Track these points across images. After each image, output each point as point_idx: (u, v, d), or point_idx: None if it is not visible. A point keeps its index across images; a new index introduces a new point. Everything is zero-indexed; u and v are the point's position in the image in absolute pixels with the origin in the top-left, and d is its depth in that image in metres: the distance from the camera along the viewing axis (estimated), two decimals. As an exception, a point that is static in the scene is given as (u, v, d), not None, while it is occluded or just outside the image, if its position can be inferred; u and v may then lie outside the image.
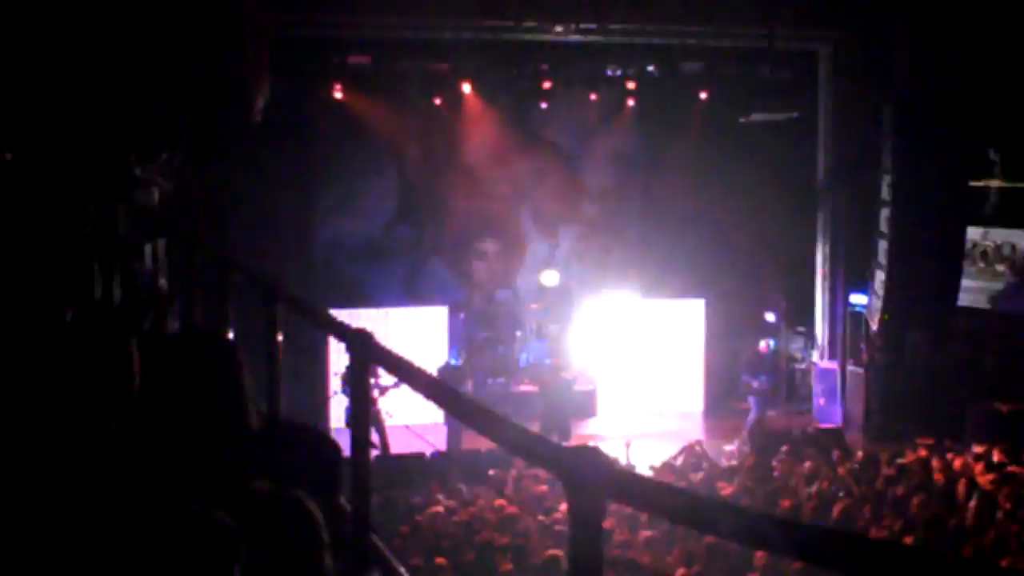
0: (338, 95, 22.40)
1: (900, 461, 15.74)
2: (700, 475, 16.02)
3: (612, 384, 23.37)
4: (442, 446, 19.22)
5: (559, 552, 10.02)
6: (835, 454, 16.71)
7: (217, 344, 3.71)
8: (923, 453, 16.10)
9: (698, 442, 18.12)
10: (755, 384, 20.88)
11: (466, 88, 22.95)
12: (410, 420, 18.54)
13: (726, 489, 14.79)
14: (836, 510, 13.54)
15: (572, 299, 24.50)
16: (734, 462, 17.59)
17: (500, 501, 14.18)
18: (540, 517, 12.85)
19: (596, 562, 2.74)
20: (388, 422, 18.70)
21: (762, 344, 21.47)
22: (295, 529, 3.16)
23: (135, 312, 7.94)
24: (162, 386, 3.24)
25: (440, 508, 13.73)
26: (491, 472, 15.94)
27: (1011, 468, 15.03)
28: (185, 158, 18.14)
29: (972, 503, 12.94)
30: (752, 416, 20.81)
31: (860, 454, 16.52)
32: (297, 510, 3.21)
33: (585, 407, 22.95)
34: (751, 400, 21.02)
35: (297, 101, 21.56)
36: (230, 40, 19.01)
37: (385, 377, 16.13)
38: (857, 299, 21.70)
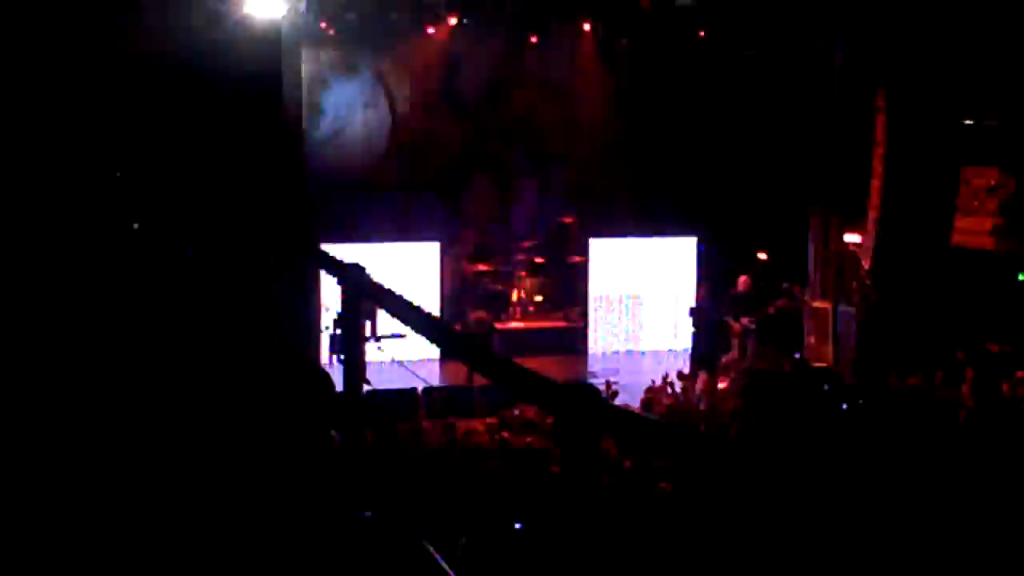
0: (332, 27, 22.20)
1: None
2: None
3: (602, 322, 23.42)
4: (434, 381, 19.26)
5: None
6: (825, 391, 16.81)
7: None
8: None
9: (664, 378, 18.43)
10: (737, 323, 20.97)
11: (459, 22, 22.77)
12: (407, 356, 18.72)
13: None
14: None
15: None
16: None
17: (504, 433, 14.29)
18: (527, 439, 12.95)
19: (590, 497, 2.74)
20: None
21: (741, 280, 21.44)
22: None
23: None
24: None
25: (430, 439, 13.79)
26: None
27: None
28: (173, 91, 18.10)
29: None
30: (732, 354, 20.93)
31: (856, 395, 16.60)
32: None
33: (574, 345, 23.09)
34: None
35: (289, 33, 21.38)
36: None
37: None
38: (850, 238, 21.67)
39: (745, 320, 20.85)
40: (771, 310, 21.85)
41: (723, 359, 20.72)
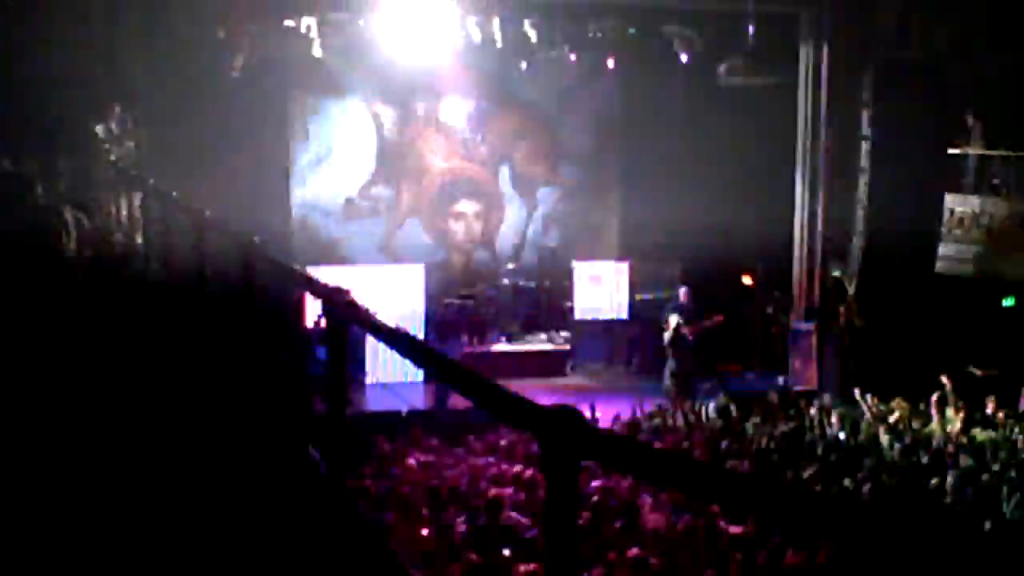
0: (317, 53, 22.21)
1: (881, 423, 15.91)
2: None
3: (588, 345, 23.43)
4: (420, 404, 19.18)
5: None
6: (812, 415, 16.84)
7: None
8: (899, 415, 16.30)
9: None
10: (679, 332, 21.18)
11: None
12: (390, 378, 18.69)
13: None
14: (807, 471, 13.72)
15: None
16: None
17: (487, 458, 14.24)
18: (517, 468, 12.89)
19: (571, 521, 2.74)
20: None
21: (682, 292, 21.59)
22: None
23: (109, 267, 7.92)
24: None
25: (413, 463, 13.73)
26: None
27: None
28: (160, 116, 18.10)
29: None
30: (670, 366, 21.08)
31: (836, 417, 16.62)
32: None
33: (558, 367, 23.09)
34: (669, 350, 21.36)
35: (276, 58, 21.43)
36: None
37: None
38: (835, 263, 21.73)
39: (684, 330, 20.96)
40: (708, 323, 21.93)
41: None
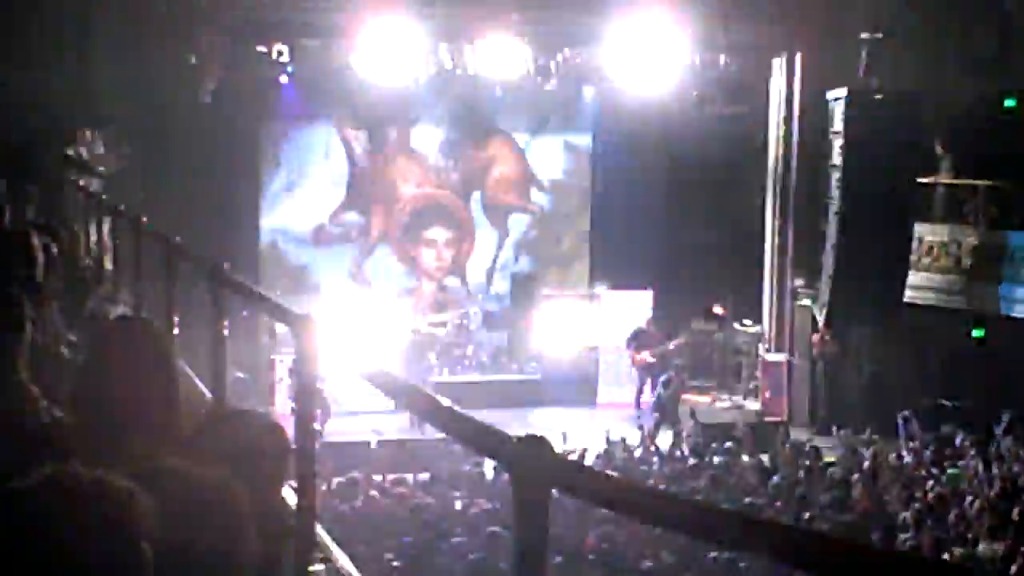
0: (287, 79, 22.21)
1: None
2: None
3: (559, 374, 23.34)
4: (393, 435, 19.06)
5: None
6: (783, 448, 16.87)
7: (149, 330, 3.69)
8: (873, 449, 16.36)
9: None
10: (639, 357, 21.48)
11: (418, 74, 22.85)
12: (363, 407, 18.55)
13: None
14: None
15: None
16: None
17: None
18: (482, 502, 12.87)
19: (541, 553, 2.71)
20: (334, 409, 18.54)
21: (645, 319, 21.98)
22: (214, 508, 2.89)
23: (77, 294, 7.84)
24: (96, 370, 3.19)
25: (378, 495, 13.70)
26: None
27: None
28: (130, 141, 18.06)
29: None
30: (638, 386, 21.34)
31: (811, 451, 16.63)
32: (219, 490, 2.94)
33: (534, 397, 22.98)
34: (635, 373, 21.56)
35: (246, 84, 21.43)
36: (178, 25, 18.99)
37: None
38: (805, 293, 21.80)
39: (647, 353, 21.38)
40: (672, 346, 22.04)
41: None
